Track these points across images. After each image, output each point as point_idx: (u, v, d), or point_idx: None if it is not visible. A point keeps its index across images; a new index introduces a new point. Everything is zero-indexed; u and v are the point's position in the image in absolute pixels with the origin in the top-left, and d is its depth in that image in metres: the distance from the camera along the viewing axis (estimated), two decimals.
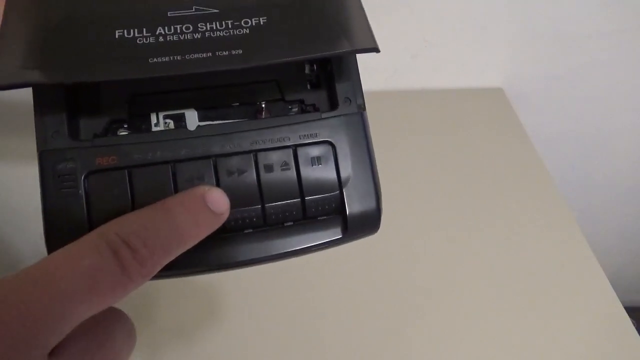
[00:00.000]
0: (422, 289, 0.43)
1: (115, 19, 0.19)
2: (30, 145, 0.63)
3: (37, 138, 0.19)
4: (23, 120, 0.63)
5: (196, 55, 0.18)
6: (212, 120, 0.21)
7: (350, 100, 0.21)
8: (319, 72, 0.23)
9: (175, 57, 0.18)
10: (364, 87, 0.23)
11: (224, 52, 0.18)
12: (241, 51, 0.18)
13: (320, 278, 0.42)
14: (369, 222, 0.21)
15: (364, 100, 0.22)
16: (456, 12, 0.59)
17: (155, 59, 0.18)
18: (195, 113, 0.22)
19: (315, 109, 0.22)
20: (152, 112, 0.21)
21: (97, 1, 0.20)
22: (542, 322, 0.41)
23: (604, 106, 0.69)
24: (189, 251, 0.18)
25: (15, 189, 0.69)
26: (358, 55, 0.22)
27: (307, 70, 0.23)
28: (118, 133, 0.21)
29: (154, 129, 0.21)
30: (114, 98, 0.21)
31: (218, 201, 0.18)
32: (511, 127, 0.61)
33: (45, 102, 0.19)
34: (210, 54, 0.18)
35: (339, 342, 0.38)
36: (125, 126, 0.21)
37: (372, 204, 0.21)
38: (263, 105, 0.22)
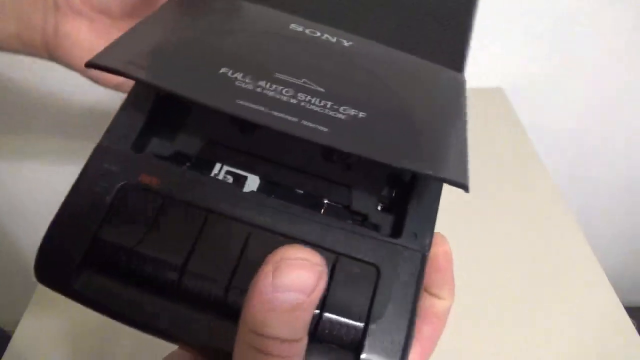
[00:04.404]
0: None
1: (228, 56, 0.19)
2: (30, 144, 0.63)
3: (106, 130, 0.19)
4: (27, 120, 0.63)
5: (282, 115, 0.17)
6: (269, 196, 0.20)
7: (417, 237, 0.19)
8: (395, 197, 0.21)
9: (262, 108, 0.17)
10: None
11: (310, 124, 0.17)
12: (327, 130, 0.17)
13: None
14: None
15: (431, 243, 0.19)
16: None
17: (242, 102, 0.17)
18: (258, 181, 0.20)
19: (376, 230, 0.20)
20: (219, 162, 0.20)
21: (221, 39, 0.20)
22: (543, 322, 0.41)
23: (604, 106, 0.69)
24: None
25: (20, 185, 0.69)
26: None
27: (383, 192, 0.21)
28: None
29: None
30: (191, 134, 0.21)
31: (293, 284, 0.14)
32: (511, 127, 0.61)
33: (134, 107, 0.19)
34: (297, 119, 0.17)
35: None
36: (188, 164, 0.20)
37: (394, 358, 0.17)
38: (325, 202, 0.21)
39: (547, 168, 0.55)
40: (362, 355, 0.17)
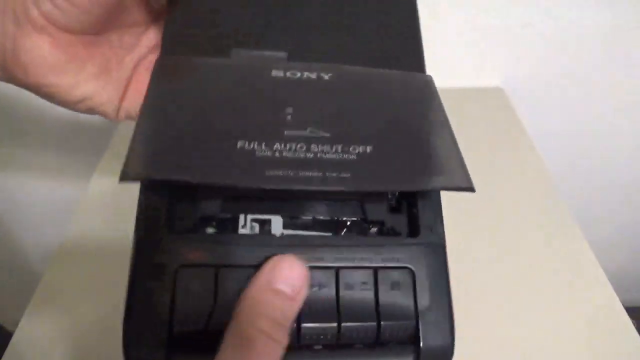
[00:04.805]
0: None
1: (237, 128, 0.20)
2: (36, 155, 0.63)
3: (136, 225, 0.20)
4: (27, 122, 0.63)
5: (308, 174, 0.19)
6: (295, 229, 0.22)
7: (432, 229, 0.21)
8: (400, 197, 0.23)
9: (289, 172, 0.19)
10: None
11: (333, 174, 0.19)
12: (349, 175, 0.19)
13: None
14: (441, 358, 0.21)
15: (444, 230, 0.22)
16: (456, 12, 0.59)
17: (271, 172, 0.19)
18: (281, 220, 0.22)
19: (395, 233, 0.23)
20: (241, 214, 0.22)
21: (223, 113, 0.21)
22: (542, 322, 0.41)
23: (603, 105, 0.69)
24: None
25: (21, 185, 0.69)
26: None
27: (388, 195, 0.23)
28: (206, 230, 0.22)
29: (241, 230, 0.22)
30: (208, 197, 0.22)
31: (287, 280, 0.18)
32: (511, 127, 0.61)
33: (152, 194, 0.21)
34: (321, 173, 0.19)
35: None
36: (214, 223, 0.22)
37: (447, 340, 0.20)
38: (348, 223, 0.23)
39: (547, 168, 0.55)
40: (421, 345, 0.20)
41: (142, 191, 0.21)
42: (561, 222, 0.50)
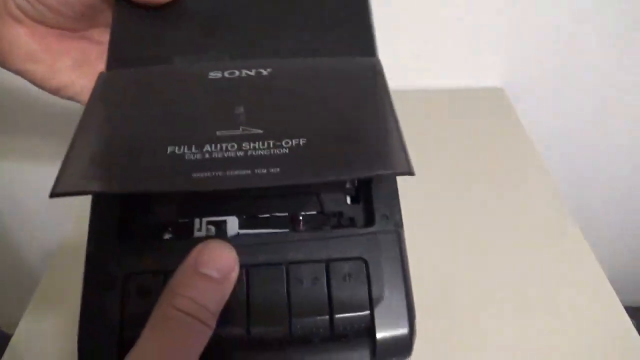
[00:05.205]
0: (418, 287, 0.43)
1: (170, 134, 0.20)
2: (36, 155, 0.63)
3: (88, 238, 0.21)
4: (27, 120, 0.63)
5: (236, 172, 0.18)
6: (253, 228, 0.22)
7: (388, 217, 0.21)
8: (359, 187, 0.23)
9: (217, 173, 0.18)
10: None
11: (263, 170, 0.19)
12: (278, 169, 0.19)
13: None
14: (400, 347, 0.20)
15: (401, 217, 0.22)
16: (456, 12, 0.59)
17: (198, 174, 0.18)
18: (237, 220, 0.22)
19: (353, 223, 0.23)
20: (197, 217, 0.22)
21: (158, 122, 0.22)
22: (542, 322, 0.41)
23: (603, 106, 0.69)
24: None
25: (20, 185, 0.69)
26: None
27: (347, 185, 0.23)
28: (164, 236, 0.22)
29: (196, 234, 0.22)
30: (163, 203, 0.23)
31: (214, 263, 0.18)
32: (511, 127, 0.61)
33: (101, 206, 0.21)
34: (250, 171, 0.18)
35: None
36: (170, 229, 0.22)
37: (404, 329, 0.20)
38: (300, 218, 0.23)
39: (547, 168, 0.55)
40: (377, 336, 0.20)
41: (93, 203, 0.21)
42: (561, 222, 0.50)
